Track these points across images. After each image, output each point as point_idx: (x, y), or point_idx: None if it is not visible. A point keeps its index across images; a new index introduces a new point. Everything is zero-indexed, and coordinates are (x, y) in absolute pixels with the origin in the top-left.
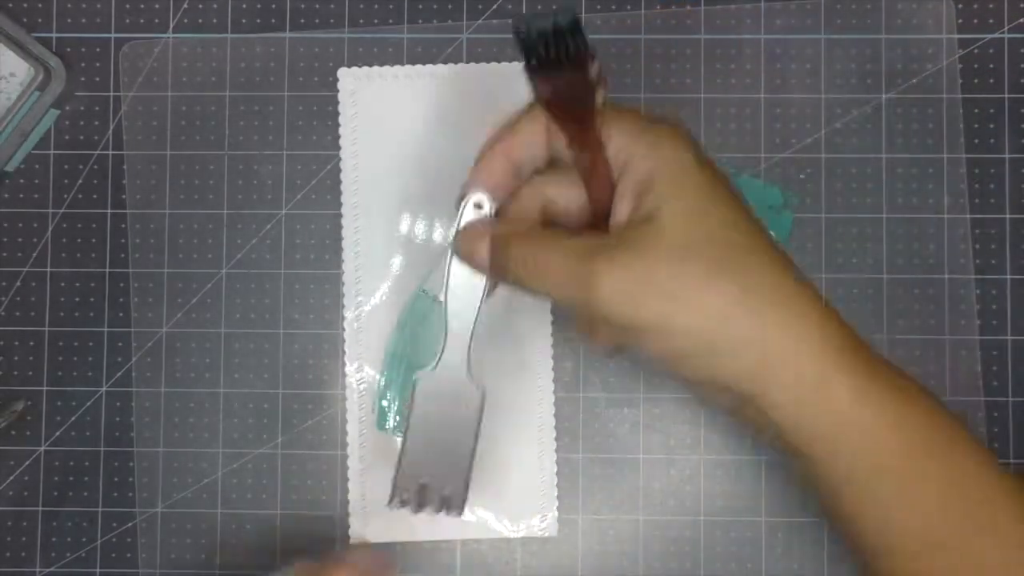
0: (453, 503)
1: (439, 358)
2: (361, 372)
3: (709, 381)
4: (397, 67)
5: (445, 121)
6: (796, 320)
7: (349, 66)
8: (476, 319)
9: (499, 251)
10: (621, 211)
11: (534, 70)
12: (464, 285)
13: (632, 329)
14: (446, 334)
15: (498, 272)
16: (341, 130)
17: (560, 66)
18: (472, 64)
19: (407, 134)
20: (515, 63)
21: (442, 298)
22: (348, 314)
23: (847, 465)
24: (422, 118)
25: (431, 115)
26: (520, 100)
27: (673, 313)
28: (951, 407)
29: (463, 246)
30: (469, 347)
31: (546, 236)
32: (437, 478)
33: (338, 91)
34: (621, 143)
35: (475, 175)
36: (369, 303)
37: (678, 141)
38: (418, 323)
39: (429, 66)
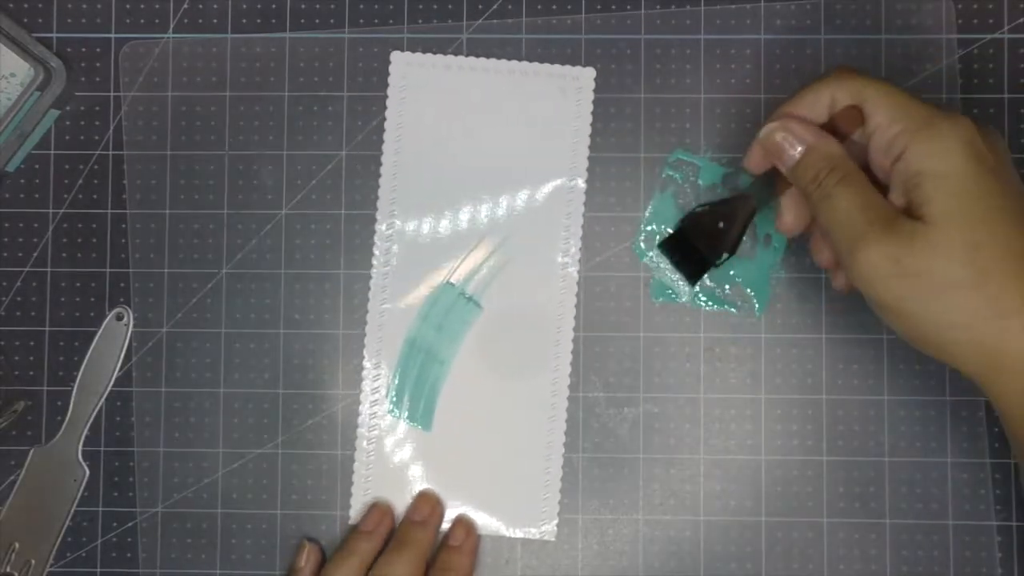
0: (33, 571)
1: (57, 437)
2: (379, 368)
3: (934, 357)
4: (450, 56)
5: (491, 116)
6: None
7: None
8: (98, 404)
9: (809, 165)
10: (895, 197)
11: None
12: None
13: (874, 302)
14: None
15: (796, 177)
16: (387, 113)
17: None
18: (525, 63)
19: (450, 126)
20: (567, 66)
21: (469, 292)
22: (373, 308)
23: None
24: (469, 111)
25: (479, 109)
26: (562, 107)
27: (910, 304)
28: (951, 407)
29: (779, 133)
30: (84, 430)
31: (855, 179)
32: (26, 544)
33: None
34: (896, 131)
35: (780, 109)
36: (395, 298)
37: (954, 141)
38: (442, 315)
39: (483, 59)
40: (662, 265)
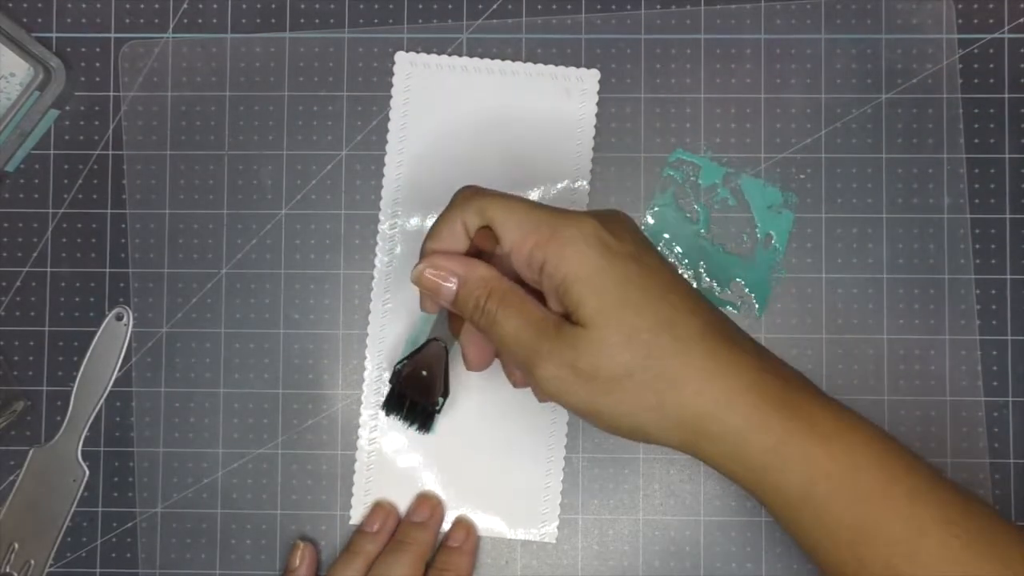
0: (33, 571)
1: (57, 437)
2: (380, 369)
3: (647, 443)
4: (455, 57)
5: (496, 117)
6: (715, 389)
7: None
8: (98, 404)
9: (467, 296)
10: (552, 304)
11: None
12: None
13: (569, 409)
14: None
15: (460, 310)
16: (391, 114)
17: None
18: (530, 64)
19: (454, 126)
20: (571, 68)
21: None
22: (375, 308)
23: (774, 507)
24: (473, 111)
25: (483, 110)
26: (566, 108)
27: (599, 402)
28: (951, 407)
29: (428, 272)
30: (83, 430)
31: (514, 297)
32: (26, 544)
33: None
34: (530, 246)
35: (424, 248)
36: (397, 299)
37: (584, 244)
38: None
39: (487, 60)
40: (396, 422)
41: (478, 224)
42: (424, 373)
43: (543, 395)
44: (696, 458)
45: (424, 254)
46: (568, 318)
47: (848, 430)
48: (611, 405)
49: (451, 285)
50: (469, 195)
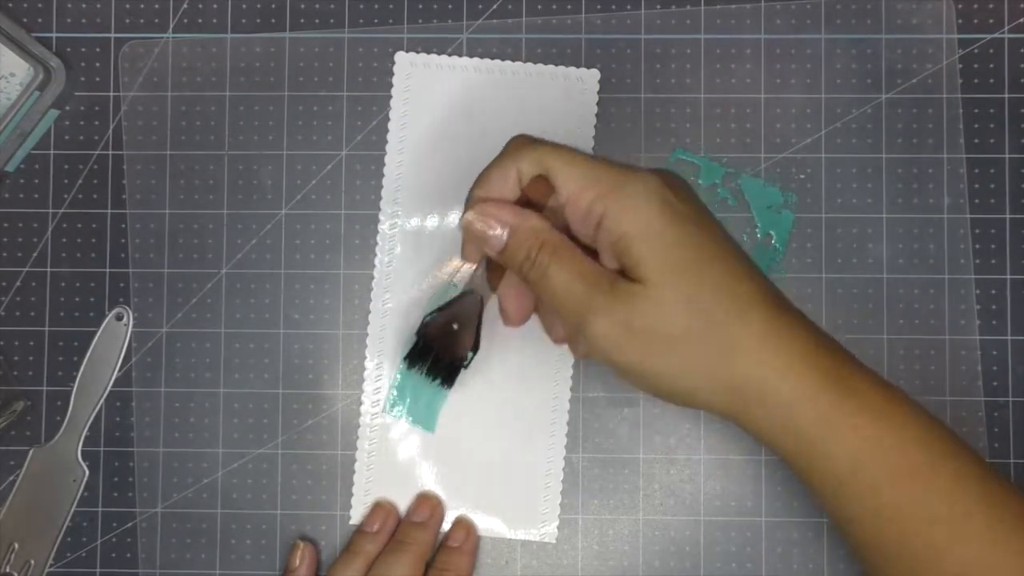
0: (33, 571)
1: (57, 438)
2: (381, 368)
3: (683, 405)
4: (455, 57)
5: (496, 117)
6: (771, 357)
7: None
8: (98, 404)
9: (518, 246)
10: (607, 260)
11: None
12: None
13: (615, 368)
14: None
15: (508, 261)
16: (391, 114)
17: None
18: (530, 64)
19: (454, 126)
20: (571, 68)
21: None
22: (375, 308)
23: (818, 480)
24: (473, 112)
25: (483, 110)
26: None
27: (649, 362)
28: (951, 407)
29: (478, 221)
30: (83, 430)
31: (567, 250)
32: (26, 544)
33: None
34: (590, 199)
35: (472, 195)
36: (397, 298)
37: (647, 201)
38: None
39: (487, 60)
40: (413, 374)
41: (534, 173)
42: (455, 327)
43: (590, 350)
44: (741, 426)
45: (471, 201)
46: (623, 276)
47: (897, 407)
48: (663, 366)
49: (499, 234)
50: (524, 143)
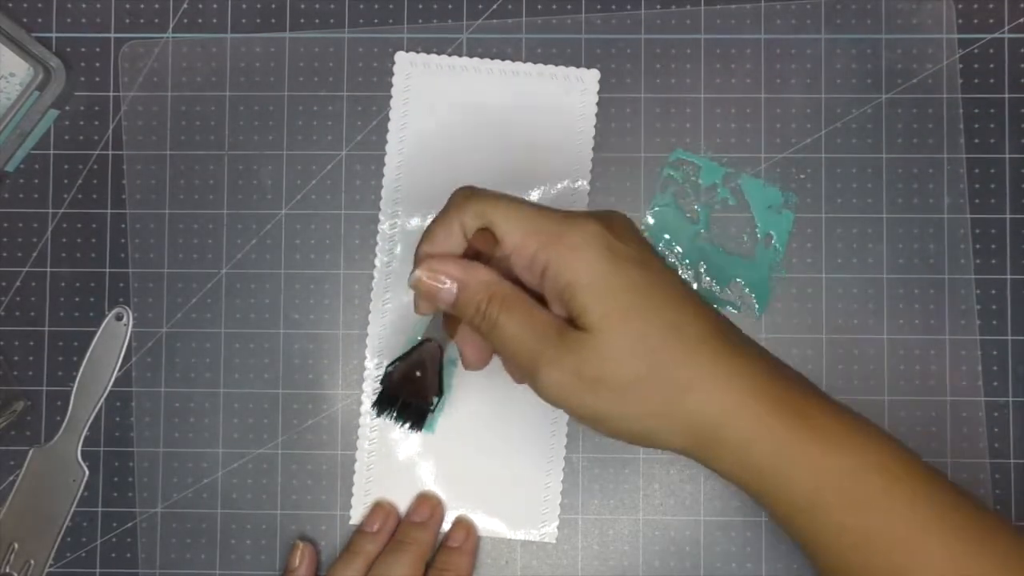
0: (33, 571)
1: (56, 438)
2: (380, 369)
3: (651, 447)
4: (455, 58)
5: (495, 117)
6: (723, 395)
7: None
8: (98, 404)
9: (467, 300)
10: (555, 308)
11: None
12: None
13: (571, 415)
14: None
15: (461, 314)
16: (391, 114)
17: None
18: (530, 64)
19: (454, 126)
20: (571, 68)
21: None
22: (375, 308)
23: (779, 511)
24: (473, 112)
25: (483, 110)
26: (567, 109)
27: (603, 408)
28: (951, 407)
29: (425, 276)
30: (83, 430)
31: (516, 301)
32: (26, 544)
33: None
34: (533, 249)
35: (419, 252)
36: (397, 298)
37: (589, 248)
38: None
39: (487, 60)
40: (387, 422)
41: (476, 226)
42: (418, 374)
43: (545, 399)
44: (702, 463)
45: (419, 257)
46: (572, 323)
47: (852, 434)
48: (616, 411)
49: (451, 288)
50: (466, 196)
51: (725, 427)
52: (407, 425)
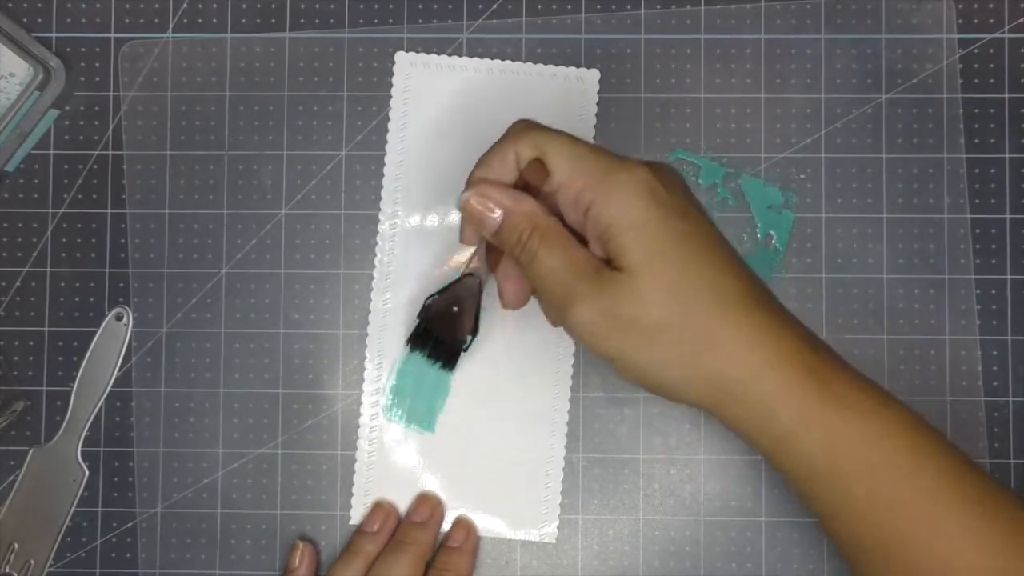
0: (33, 571)
1: (56, 438)
2: (381, 369)
3: (669, 398)
4: (455, 57)
5: (495, 117)
6: (749, 354)
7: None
8: (98, 404)
9: (511, 228)
10: (594, 247)
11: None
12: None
13: (597, 355)
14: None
15: (502, 242)
16: (391, 114)
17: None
18: (530, 64)
19: (454, 126)
20: (571, 68)
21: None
22: (375, 308)
23: (796, 476)
24: (473, 112)
25: (483, 110)
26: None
27: (630, 352)
28: (951, 407)
29: (474, 200)
30: (83, 430)
31: (557, 236)
32: (26, 544)
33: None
34: (580, 187)
35: (472, 176)
36: (397, 298)
37: (634, 192)
38: None
39: (487, 60)
40: (416, 357)
41: (531, 156)
42: (455, 309)
43: (571, 335)
44: (722, 421)
45: (471, 182)
46: (609, 264)
47: (877, 405)
48: (642, 356)
49: (496, 216)
50: (525, 127)
51: (747, 387)
52: (438, 364)
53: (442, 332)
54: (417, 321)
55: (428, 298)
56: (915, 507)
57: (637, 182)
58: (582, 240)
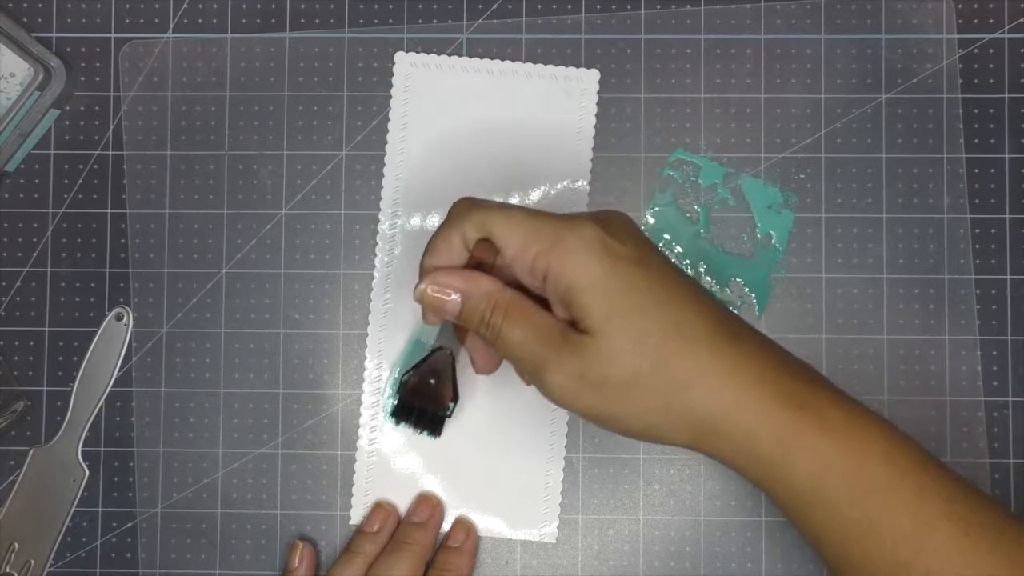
0: (33, 571)
1: (57, 438)
2: (381, 369)
3: (653, 443)
4: (455, 58)
5: (495, 117)
6: (722, 388)
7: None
8: (98, 404)
9: (471, 310)
10: (558, 311)
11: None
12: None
13: (575, 413)
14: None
15: (466, 323)
16: (391, 114)
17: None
18: (529, 64)
19: (454, 126)
20: (571, 68)
21: None
22: (375, 308)
23: (783, 501)
24: (473, 112)
25: (483, 110)
26: (566, 109)
27: (605, 408)
28: (951, 407)
29: (430, 289)
30: (83, 430)
31: (519, 308)
32: (26, 544)
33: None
34: (533, 255)
35: (423, 265)
36: (397, 298)
37: (585, 250)
38: None
39: (486, 60)
40: (407, 430)
41: (477, 237)
42: (432, 381)
43: (552, 402)
44: (707, 456)
45: (423, 270)
46: (574, 325)
47: (858, 424)
48: (621, 410)
49: (455, 299)
50: (465, 208)
51: (726, 421)
52: (424, 432)
53: (423, 403)
54: (396, 397)
55: (403, 374)
56: (904, 530)
57: (588, 240)
58: (547, 305)
